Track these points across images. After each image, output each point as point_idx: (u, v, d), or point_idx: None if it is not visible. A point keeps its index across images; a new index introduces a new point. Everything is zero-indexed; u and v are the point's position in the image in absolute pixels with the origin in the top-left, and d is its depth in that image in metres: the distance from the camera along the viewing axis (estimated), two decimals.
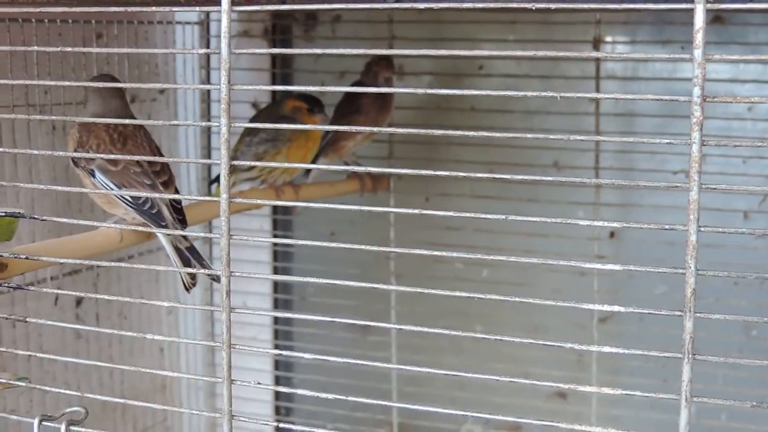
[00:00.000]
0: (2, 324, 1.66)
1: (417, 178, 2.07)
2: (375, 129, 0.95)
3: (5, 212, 1.04)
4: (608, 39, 2.00)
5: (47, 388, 1.11)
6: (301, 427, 0.99)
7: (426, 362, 1.87)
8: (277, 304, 2.23)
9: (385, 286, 0.98)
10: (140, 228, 1.21)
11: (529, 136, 0.95)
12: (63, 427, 1.02)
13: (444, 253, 0.97)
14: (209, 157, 2.12)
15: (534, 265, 1.97)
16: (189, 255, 1.42)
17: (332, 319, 0.99)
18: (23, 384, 1.29)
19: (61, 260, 1.06)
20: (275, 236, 2.21)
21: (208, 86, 0.99)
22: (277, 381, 2.25)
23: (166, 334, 2.13)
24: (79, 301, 1.90)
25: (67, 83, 1.09)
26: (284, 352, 1.00)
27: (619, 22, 1.99)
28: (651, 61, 1.97)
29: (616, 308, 0.89)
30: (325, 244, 0.99)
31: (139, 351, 2.05)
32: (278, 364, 2.26)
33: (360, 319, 1.01)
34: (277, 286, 2.23)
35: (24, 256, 1.06)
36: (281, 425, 1.01)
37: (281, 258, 2.23)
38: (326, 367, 2.11)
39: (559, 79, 2.02)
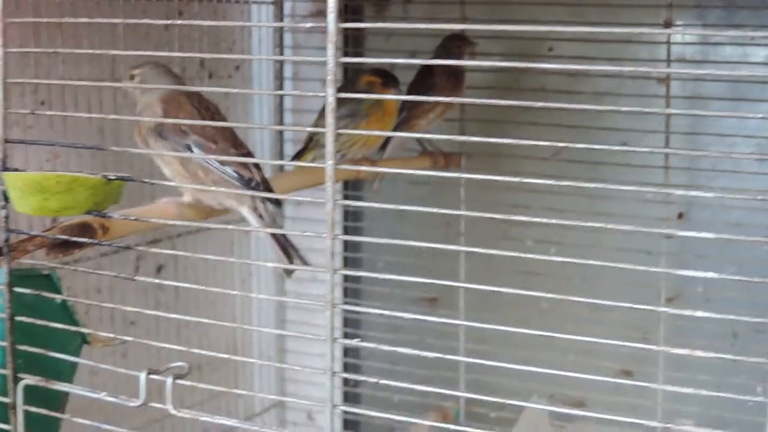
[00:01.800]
0: (85, 292, 1.72)
1: (487, 157, 2.12)
2: (450, 99, 1.00)
3: (116, 176, 1.09)
4: (679, 22, 2.02)
5: (152, 342, 1.16)
6: (402, 384, 1.03)
7: (493, 335, 1.91)
8: (347, 278, 2.28)
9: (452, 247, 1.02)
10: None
11: (599, 108, 0.98)
12: (170, 380, 1.07)
13: (518, 217, 1.01)
14: (282, 134, 2.18)
15: (602, 246, 2.00)
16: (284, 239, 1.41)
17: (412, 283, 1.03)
18: (120, 342, 1.36)
19: (171, 221, 1.11)
20: (346, 212, 2.26)
21: (318, 59, 1.03)
22: (346, 352, 2.29)
23: (239, 303, 2.19)
24: (159, 269, 1.96)
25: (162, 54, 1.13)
26: (400, 314, 1.04)
27: (690, 5, 2.01)
28: (721, 45, 2.00)
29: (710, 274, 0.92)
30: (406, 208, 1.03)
31: (216, 314, 2.11)
32: (346, 321, 2.30)
33: (430, 292, 1.05)
34: (346, 261, 2.28)
35: (134, 218, 1.12)
36: (381, 381, 1.04)
37: (352, 232, 2.27)
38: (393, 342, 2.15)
39: (628, 61, 2.05)
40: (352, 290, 2.29)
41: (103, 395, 1.13)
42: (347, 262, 2.29)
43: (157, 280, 1.07)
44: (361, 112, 1.75)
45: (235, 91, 1.54)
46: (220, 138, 1.36)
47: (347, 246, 2.28)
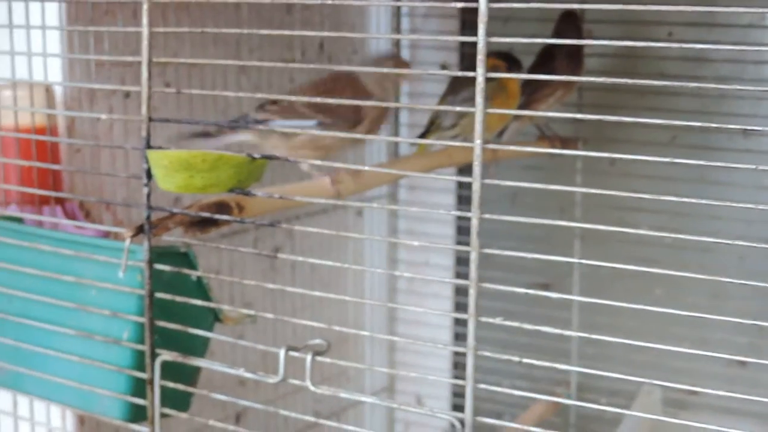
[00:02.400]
0: (205, 272, 1.74)
1: (603, 141, 2.10)
2: (573, 78, 1.00)
3: (260, 154, 1.10)
4: None
5: (287, 319, 1.16)
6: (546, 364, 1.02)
7: (606, 324, 1.90)
8: (459, 261, 2.28)
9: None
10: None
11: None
12: (309, 356, 1.08)
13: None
14: (397, 120, 2.19)
15: (719, 231, 1.98)
16: None
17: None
18: (250, 320, 1.37)
19: (307, 198, 1.12)
20: (459, 196, 2.26)
21: (466, 38, 1.03)
22: (456, 337, 2.30)
23: (352, 286, 2.21)
24: (276, 251, 1.98)
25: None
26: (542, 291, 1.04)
27: None
28: None
29: None
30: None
31: (327, 301, 2.13)
32: (458, 319, 2.31)
33: (543, 278, 1.05)
34: (460, 230, 2.28)
35: (278, 196, 1.13)
36: (524, 360, 1.04)
37: (463, 232, 2.27)
38: (506, 327, 2.15)
39: (751, 45, 2.02)
40: (463, 275, 2.28)
41: (241, 371, 1.14)
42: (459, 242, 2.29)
43: (300, 258, 1.08)
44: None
45: (364, 69, 1.53)
46: None
47: (459, 230, 2.28)
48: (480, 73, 0.98)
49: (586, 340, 2.16)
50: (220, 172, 1.10)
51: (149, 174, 1.15)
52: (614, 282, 2.09)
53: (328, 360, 1.10)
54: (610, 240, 2.09)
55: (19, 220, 1.40)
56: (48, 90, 1.49)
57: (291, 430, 2.03)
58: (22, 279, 1.33)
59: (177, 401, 1.25)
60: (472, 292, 1.03)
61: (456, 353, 2.29)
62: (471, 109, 1.01)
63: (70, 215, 1.52)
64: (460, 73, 1.03)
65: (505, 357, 1.05)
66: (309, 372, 1.09)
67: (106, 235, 1.48)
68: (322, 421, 1.23)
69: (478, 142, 1.01)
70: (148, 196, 1.16)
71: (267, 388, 1.98)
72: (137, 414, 1.26)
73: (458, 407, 2.32)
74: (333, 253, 2.12)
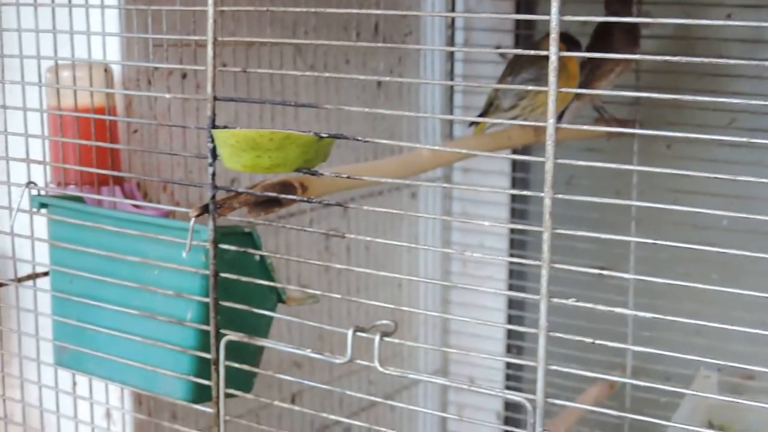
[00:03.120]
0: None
1: (661, 122, 2.08)
2: (633, 57, 0.98)
3: (328, 133, 1.09)
4: None
5: (353, 298, 1.15)
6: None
7: (663, 307, 1.88)
8: (513, 244, 2.27)
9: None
10: None
11: None
12: (377, 337, 1.07)
13: None
14: (452, 92, 2.18)
15: None
16: None
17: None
18: (312, 301, 1.37)
19: (375, 178, 1.11)
20: (513, 179, 2.24)
21: (538, 17, 1.02)
22: (510, 320, 2.29)
23: (405, 271, 2.20)
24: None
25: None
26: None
27: None
28: None
29: None
30: None
31: (382, 284, 2.12)
32: (511, 303, 2.30)
33: (599, 262, 1.03)
34: (514, 214, 2.27)
35: (346, 175, 1.12)
36: (596, 342, 1.03)
37: (518, 200, 2.26)
38: (560, 308, 2.13)
39: None
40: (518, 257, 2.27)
41: (308, 352, 1.13)
42: (513, 242, 2.28)
43: (368, 237, 1.06)
44: (545, 76, 1.72)
45: (425, 48, 1.52)
46: None
47: (513, 214, 2.27)
48: (553, 52, 0.96)
49: (642, 324, 2.14)
50: (288, 151, 1.09)
51: (214, 153, 1.15)
52: (671, 267, 2.07)
53: (396, 341, 1.09)
54: (666, 223, 2.06)
55: (80, 200, 1.39)
56: (107, 70, 1.48)
57: (345, 413, 2.03)
58: (84, 259, 1.33)
59: (240, 382, 1.24)
60: (544, 272, 1.01)
61: (510, 335, 2.28)
62: (544, 88, 0.99)
63: (128, 196, 1.52)
64: (533, 52, 1.01)
65: (578, 338, 1.04)
66: (377, 352, 1.08)
67: (167, 215, 1.48)
68: (385, 401, 1.22)
69: (551, 121, 0.99)
70: (213, 175, 1.15)
71: (322, 370, 1.97)
72: (200, 395, 1.26)
73: (511, 388, 2.31)
74: (388, 236, 2.11)
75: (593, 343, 1.05)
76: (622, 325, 2.15)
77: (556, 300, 1.04)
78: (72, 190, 1.47)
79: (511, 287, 2.27)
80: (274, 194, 1.17)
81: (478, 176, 2.20)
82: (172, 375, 1.26)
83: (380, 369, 1.09)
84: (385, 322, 1.10)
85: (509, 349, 2.31)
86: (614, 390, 2.11)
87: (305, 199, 1.18)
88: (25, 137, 1.40)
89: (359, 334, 1.09)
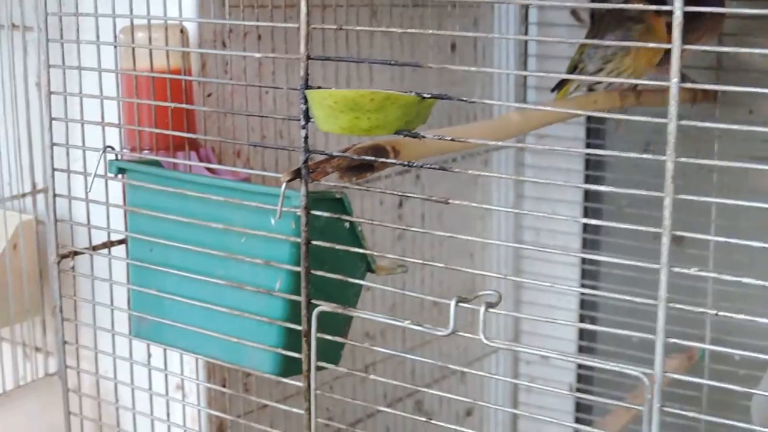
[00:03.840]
0: None
1: (742, 92, 2.00)
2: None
3: (430, 93, 1.03)
4: None
5: (456, 268, 1.10)
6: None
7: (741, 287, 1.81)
8: (587, 213, 2.20)
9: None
10: None
11: None
12: (482, 308, 1.01)
13: None
14: (525, 58, 2.12)
15: None
16: None
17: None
18: (402, 270, 1.31)
19: (473, 140, 1.05)
20: (588, 145, 2.18)
21: None
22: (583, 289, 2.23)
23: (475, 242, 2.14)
24: (401, 203, 1.92)
25: None
26: None
27: None
28: None
29: None
30: None
31: (455, 253, 2.07)
32: (584, 273, 2.24)
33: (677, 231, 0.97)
34: (587, 195, 2.20)
35: (450, 138, 1.06)
36: (720, 313, 0.97)
37: (593, 166, 2.19)
38: (635, 278, 2.07)
39: None
40: (592, 228, 2.22)
41: (407, 323, 1.08)
42: (587, 212, 2.22)
43: (465, 202, 1.01)
44: (632, 38, 1.66)
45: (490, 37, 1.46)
46: None
47: (587, 180, 2.20)
48: (677, 7, 0.90)
49: (719, 295, 2.08)
50: (388, 112, 1.03)
51: (307, 115, 1.09)
52: (750, 235, 1.99)
53: (502, 312, 1.03)
54: (746, 192, 1.99)
55: (158, 165, 1.35)
56: (183, 31, 1.43)
57: (418, 384, 1.97)
58: (164, 226, 1.28)
59: (328, 353, 1.19)
60: (665, 240, 0.95)
61: (583, 306, 2.22)
62: (667, 45, 0.93)
63: (204, 161, 1.47)
64: (665, 8, 0.95)
65: (700, 310, 0.97)
66: (482, 325, 1.02)
67: (245, 180, 1.43)
68: (464, 369, 1.16)
69: (675, 80, 0.93)
70: (306, 138, 1.10)
71: (395, 342, 1.92)
72: (288, 367, 1.21)
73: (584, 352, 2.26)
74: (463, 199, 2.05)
75: (716, 314, 0.98)
76: (701, 295, 2.08)
77: (677, 269, 0.97)
78: (146, 155, 1.42)
79: (583, 260, 2.21)
80: (368, 158, 1.11)
81: (552, 142, 2.14)
82: (259, 347, 1.21)
83: (485, 342, 1.03)
84: (489, 292, 1.04)
85: (582, 319, 2.25)
86: (693, 362, 2.05)
87: (401, 162, 1.12)
88: (100, 99, 1.35)
89: (462, 305, 1.03)
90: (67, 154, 1.40)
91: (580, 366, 2.26)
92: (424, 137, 1.05)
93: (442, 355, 2.07)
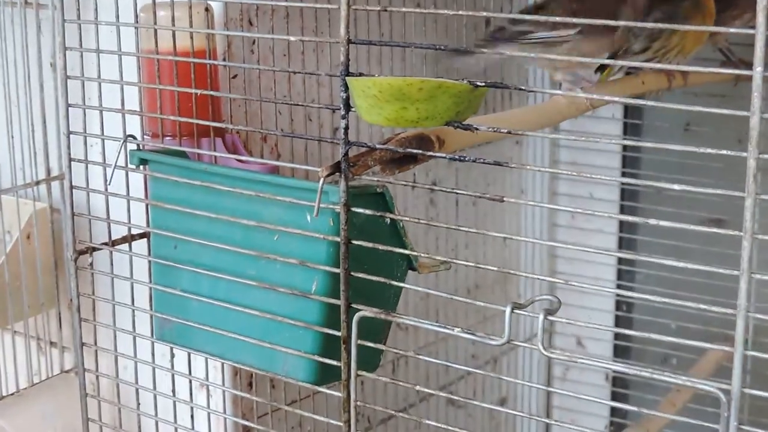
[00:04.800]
0: None
1: None
2: None
3: (485, 81, 0.94)
4: None
5: (480, 266, 1.02)
6: None
7: None
8: (624, 194, 2.12)
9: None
10: None
11: None
12: (541, 316, 0.93)
13: None
14: None
15: None
16: None
17: None
18: (445, 267, 1.22)
19: (528, 132, 0.96)
20: (625, 125, 2.09)
21: None
22: (619, 276, 2.14)
23: (513, 225, 2.06)
24: (433, 184, 1.83)
25: None
26: None
27: None
28: None
29: None
30: None
31: (491, 241, 1.98)
32: (621, 259, 2.15)
33: (716, 214, 0.89)
34: (624, 193, 2.12)
35: (506, 130, 0.96)
36: None
37: (629, 164, 2.11)
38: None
39: None
40: (628, 209, 2.13)
41: (457, 331, 0.99)
42: (623, 210, 2.14)
43: (519, 200, 0.92)
44: (680, 16, 1.56)
45: None
46: None
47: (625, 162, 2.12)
48: None
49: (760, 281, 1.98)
50: (438, 102, 0.94)
51: (348, 104, 1.00)
52: None
53: (562, 320, 0.94)
54: None
55: (183, 155, 1.26)
56: (207, 9, 1.34)
57: (452, 376, 1.89)
58: (190, 222, 1.19)
59: (367, 360, 1.10)
60: (746, 244, 0.86)
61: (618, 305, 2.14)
62: (751, 30, 0.83)
63: (230, 148, 1.38)
64: None
65: None
66: (541, 334, 0.93)
67: (273, 171, 1.34)
68: (479, 372, 1.08)
69: (758, 69, 0.83)
70: (346, 129, 1.01)
71: (428, 333, 1.84)
72: (325, 375, 1.12)
73: (619, 349, 2.18)
74: (492, 188, 1.97)
75: None
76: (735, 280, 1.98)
77: (758, 276, 0.88)
78: (169, 143, 1.33)
79: (620, 240, 2.12)
80: (412, 150, 1.02)
81: (588, 123, 2.04)
82: (294, 354, 1.12)
83: (545, 353, 0.95)
84: (547, 297, 0.96)
85: (618, 307, 2.16)
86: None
87: (445, 155, 1.03)
88: (119, 84, 1.26)
89: (518, 312, 0.95)
90: (85, 142, 1.31)
91: (617, 351, 2.18)
92: (477, 129, 0.96)
93: (475, 344, 1.99)
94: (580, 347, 2.16)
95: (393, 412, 1.13)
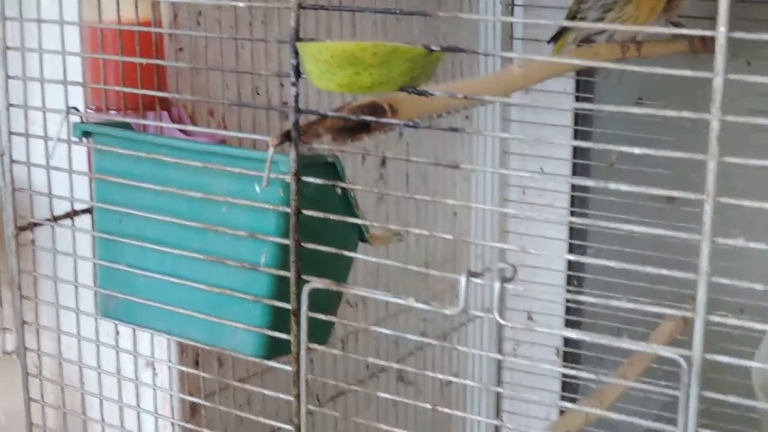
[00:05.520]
0: None
1: (741, 41, 1.90)
2: None
3: (441, 46, 0.92)
4: None
5: (435, 234, 0.99)
6: None
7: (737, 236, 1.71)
8: (576, 169, 2.10)
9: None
10: None
11: None
12: (497, 283, 0.91)
13: None
14: (512, 8, 2.00)
15: None
16: None
17: None
18: (398, 239, 1.20)
19: (486, 97, 0.94)
20: (577, 98, 2.07)
21: None
22: (571, 248, 2.13)
23: (464, 198, 2.04)
24: (383, 162, 1.81)
25: None
26: None
27: None
28: None
29: None
30: None
31: (440, 214, 1.96)
32: (572, 231, 2.14)
33: (671, 189, 0.89)
34: (576, 151, 2.10)
35: (462, 95, 0.94)
36: None
37: (581, 122, 2.09)
38: (625, 238, 1.97)
39: None
40: (579, 185, 2.12)
41: (411, 301, 0.97)
42: (576, 169, 2.12)
43: (475, 167, 0.90)
44: None
45: None
46: None
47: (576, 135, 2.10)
48: None
49: (718, 253, 1.98)
50: (393, 66, 0.92)
51: (298, 71, 0.97)
52: (750, 195, 1.90)
53: (519, 287, 0.92)
54: (753, 146, 1.89)
55: (128, 127, 1.22)
56: None
57: (402, 353, 1.87)
58: (135, 195, 1.16)
59: (317, 333, 1.08)
60: (708, 209, 0.85)
61: (570, 267, 2.13)
62: None
63: (177, 122, 1.35)
64: None
65: (747, 284, 0.87)
66: (497, 302, 0.91)
67: (221, 142, 1.31)
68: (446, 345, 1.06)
69: (722, 29, 0.82)
70: (297, 97, 0.98)
71: (377, 309, 1.82)
72: (274, 349, 1.10)
73: (571, 324, 2.16)
74: (442, 160, 1.94)
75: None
76: (694, 255, 1.98)
77: (721, 240, 0.87)
78: (113, 116, 1.30)
79: (572, 214, 2.11)
80: (365, 118, 1.00)
81: (539, 95, 2.03)
82: (243, 328, 1.09)
83: (501, 321, 0.93)
84: (503, 265, 0.94)
85: (569, 281, 2.15)
86: (688, 325, 1.96)
87: (400, 122, 1.00)
88: (61, 55, 1.23)
89: (473, 279, 0.92)
90: (26, 116, 1.27)
91: (568, 324, 2.17)
92: (432, 94, 0.93)
93: (425, 321, 1.97)
94: (531, 322, 2.15)
95: (344, 385, 1.12)
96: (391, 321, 1.84)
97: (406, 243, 1.82)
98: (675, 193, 0.89)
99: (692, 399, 0.88)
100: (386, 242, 1.17)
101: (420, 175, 1.88)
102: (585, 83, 2.08)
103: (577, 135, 2.10)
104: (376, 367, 1.84)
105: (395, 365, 1.03)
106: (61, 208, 1.30)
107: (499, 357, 2.32)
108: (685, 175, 1.94)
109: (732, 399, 0.89)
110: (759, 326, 0.93)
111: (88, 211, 1.28)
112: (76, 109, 1.20)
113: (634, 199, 2.00)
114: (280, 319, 1.06)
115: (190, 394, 1.42)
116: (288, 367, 1.05)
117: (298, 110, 0.98)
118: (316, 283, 1.01)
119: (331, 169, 1.07)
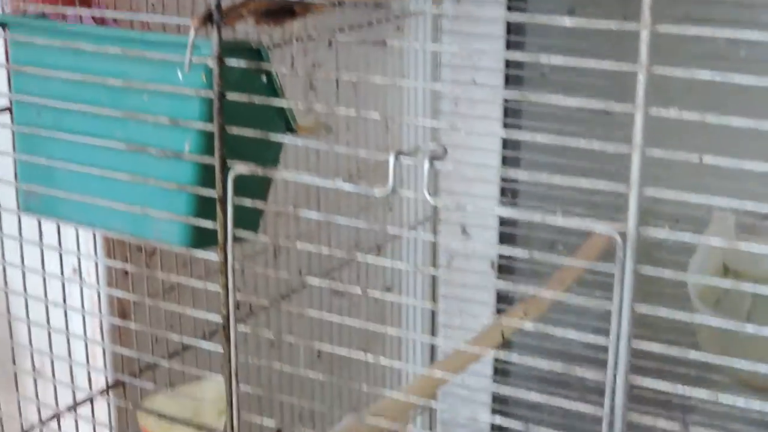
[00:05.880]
0: None
1: None
2: None
3: None
4: None
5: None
6: None
7: (671, 145, 1.71)
8: (509, 80, 2.08)
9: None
10: None
11: None
12: (426, 162, 0.89)
13: None
14: None
15: None
16: None
17: None
18: (326, 131, 1.19)
19: None
20: (509, 7, 2.05)
21: None
22: (504, 161, 2.12)
23: (395, 107, 2.02)
24: (314, 65, 1.78)
25: None
26: None
27: None
28: None
29: None
30: None
31: (372, 124, 1.94)
32: (506, 143, 2.13)
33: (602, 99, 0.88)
34: (509, 62, 2.08)
35: None
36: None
37: (515, 31, 2.07)
38: (560, 149, 1.96)
39: None
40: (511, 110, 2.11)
41: (338, 182, 0.95)
42: (508, 79, 2.10)
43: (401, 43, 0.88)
44: None
45: None
46: None
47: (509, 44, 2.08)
48: None
49: (652, 161, 1.98)
50: None
51: None
52: (683, 98, 1.90)
53: (448, 167, 0.91)
54: (691, 55, 1.89)
55: (45, 17, 1.19)
56: None
57: (334, 264, 1.85)
58: (54, 86, 1.13)
59: (246, 221, 1.06)
60: (641, 78, 0.84)
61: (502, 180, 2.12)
62: None
63: (98, 22, 1.31)
64: None
65: (682, 156, 0.86)
66: (426, 180, 0.90)
67: (146, 27, 1.28)
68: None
69: None
70: None
71: (309, 224, 1.79)
72: (201, 238, 1.08)
73: (504, 237, 2.16)
74: (373, 70, 1.92)
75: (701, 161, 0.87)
76: (625, 159, 1.98)
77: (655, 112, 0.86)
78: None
79: (505, 124, 2.09)
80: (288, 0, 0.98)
81: (471, 5, 2.00)
82: (167, 217, 1.07)
83: (430, 200, 0.91)
84: (431, 145, 0.92)
85: (503, 193, 2.14)
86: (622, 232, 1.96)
87: (326, 2, 0.98)
88: None
89: (403, 158, 0.91)
90: None
91: (502, 238, 2.16)
92: None
93: (359, 231, 1.96)
94: (465, 235, 2.14)
95: (273, 289, 1.10)
96: (323, 231, 1.82)
97: (335, 151, 1.79)
98: (603, 105, 0.88)
99: (627, 274, 0.87)
100: (314, 132, 1.15)
101: (350, 84, 1.86)
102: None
103: (509, 45, 2.08)
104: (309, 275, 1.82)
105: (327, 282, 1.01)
106: None
107: (434, 271, 2.32)
108: (621, 83, 1.94)
109: (667, 273, 0.88)
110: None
111: (8, 110, 1.25)
112: None
113: (568, 110, 2.00)
114: (207, 209, 1.04)
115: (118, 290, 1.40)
116: (215, 256, 1.03)
117: None
118: (241, 168, 0.99)
119: (256, 56, 1.04)
